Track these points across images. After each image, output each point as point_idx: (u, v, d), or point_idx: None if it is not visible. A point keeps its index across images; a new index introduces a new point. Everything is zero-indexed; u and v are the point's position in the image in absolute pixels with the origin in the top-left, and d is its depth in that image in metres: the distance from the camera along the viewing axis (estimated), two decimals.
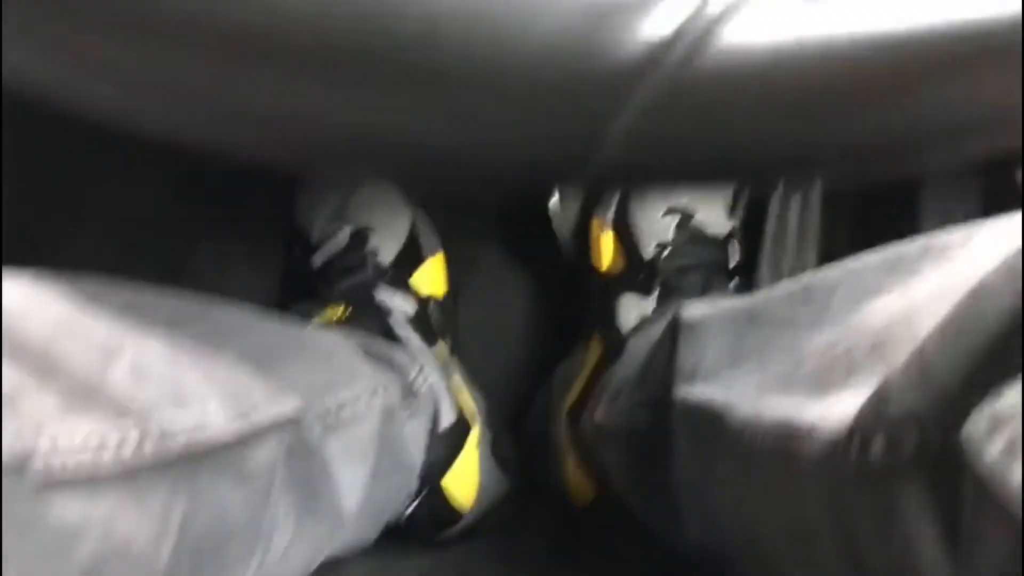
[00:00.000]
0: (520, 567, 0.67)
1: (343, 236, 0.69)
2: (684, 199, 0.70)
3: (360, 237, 0.69)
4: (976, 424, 0.24)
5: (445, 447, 0.65)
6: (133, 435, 0.32)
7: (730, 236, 0.71)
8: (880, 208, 0.73)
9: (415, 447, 0.59)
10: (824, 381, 0.37)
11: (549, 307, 0.79)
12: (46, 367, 0.31)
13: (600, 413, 0.60)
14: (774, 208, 0.73)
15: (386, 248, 0.70)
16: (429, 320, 0.70)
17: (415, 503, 0.63)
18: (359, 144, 0.18)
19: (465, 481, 0.66)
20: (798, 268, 0.72)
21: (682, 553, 0.57)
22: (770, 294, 0.47)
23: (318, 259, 0.70)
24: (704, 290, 0.67)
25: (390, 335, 0.65)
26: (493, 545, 0.70)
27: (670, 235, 0.69)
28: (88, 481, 0.30)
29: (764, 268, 0.73)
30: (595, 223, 0.73)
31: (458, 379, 0.69)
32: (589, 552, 0.68)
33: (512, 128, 0.17)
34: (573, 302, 0.76)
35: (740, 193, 0.73)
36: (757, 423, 0.39)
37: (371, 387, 0.53)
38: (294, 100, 0.17)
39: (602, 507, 0.68)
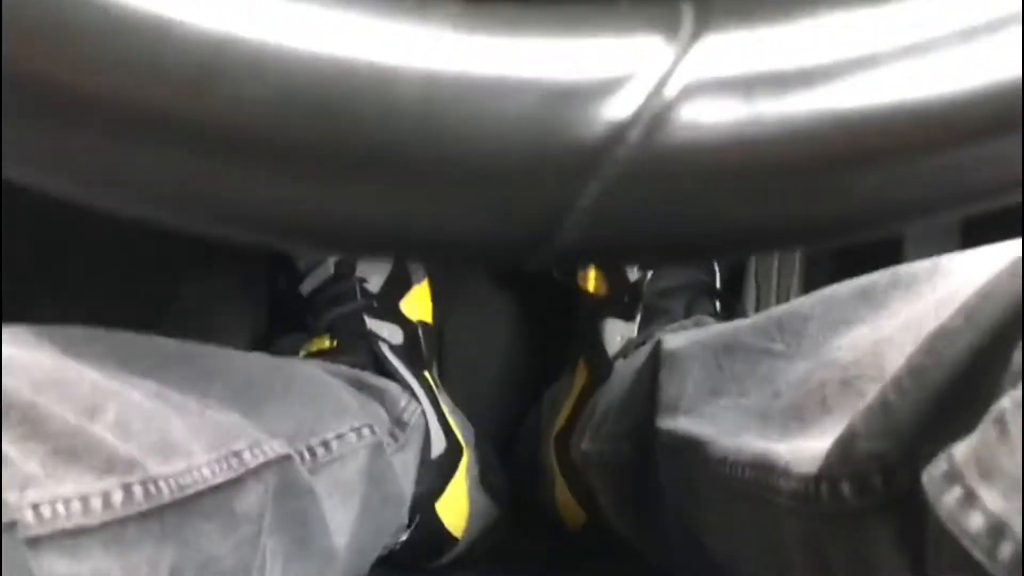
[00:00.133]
0: None
1: (329, 265, 0.70)
2: None
3: (347, 265, 0.70)
4: (934, 471, 0.24)
5: (436, 475, 0.65)
6: (117, 492, 0.32)
7: None
8: None
9: (405, 479, 0.60)
10: (800, 416, 0.38)
11: (536, 332, 0.80)
12: (30, 428, 0.31)
13: (586, 441, 0.61)
14: None
15: (373, 276, 0.70)
16: (419, 346, 0.70)
17: (408, 532, 0.63)
18: (313, 231, 0.18)
19: (455, 508, 0.67)
20: (783, 287, 0.73)
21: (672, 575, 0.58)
22: (746, 324, 0.48)
23: (305, 288, 0.70)
24: (688, 312, 0.67)
25: (379, 364, 0.65)
26: (485, 571, 0.70)
27: None
28: (73, 539, 0.31)
29: (749, 288, 0.74)
30: None
31: (447, 406, 0.70)
32: (582, 575, 0.69)
33: (475, 211, 0.18)
34: (560, 326, 0.76)
35: None
36: (736, 458, 0.40)
37: (359, 423, 0.53)
38: (247, 190, 0.17)
39: (593, 531, 0.68)
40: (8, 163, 0.17)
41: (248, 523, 0.40)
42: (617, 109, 0.17)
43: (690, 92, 0.17)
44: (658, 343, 0.53)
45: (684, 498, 0.49)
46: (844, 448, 0.32)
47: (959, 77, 0.17)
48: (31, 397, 0.32)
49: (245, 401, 0.44)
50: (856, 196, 0.17)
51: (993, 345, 0.27)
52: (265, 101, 0.16)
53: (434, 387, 0.69)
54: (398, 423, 0.60)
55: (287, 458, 0.43)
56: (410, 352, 0.68)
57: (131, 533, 0.33)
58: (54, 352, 0.37)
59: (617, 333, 0.68)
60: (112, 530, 0.32)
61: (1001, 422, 0.22)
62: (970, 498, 0.23)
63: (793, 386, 0.40)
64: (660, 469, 0.50)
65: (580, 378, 0.70)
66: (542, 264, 0.18)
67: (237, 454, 0.40)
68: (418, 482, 0.62)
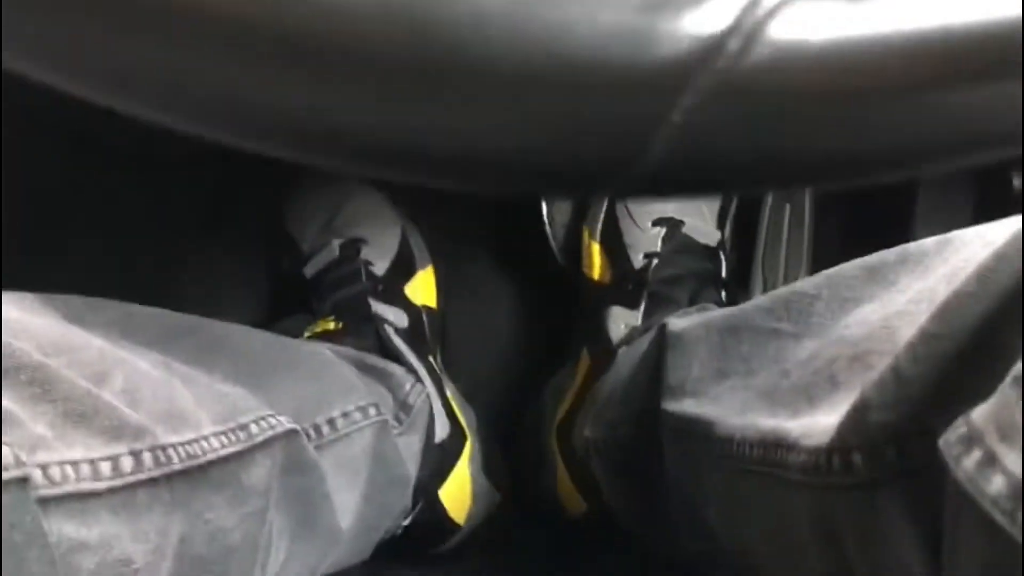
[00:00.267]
0: None
1: (334, 247, 0.69)
2: (672, 208, 0.70)
3: (352, 248, 0.69)
4: (952, 435, 0.24)
5: (440, 459, 0.64)
6: (127, 458, 0.32)
7: (720, 245, 0.71)
8: (872, 217, 0.73)
9: (410, 461, 0.59)
10: (809, 394, 0.37)
11: (540, 320, 0.79)
12: (39, 389, 0.31)
13: (589, 427, 0.60)
14: (765, 218, 0.73)
15: (379, 259, 0.69)
16: (424, 331, 0.69)
17: (411, 516, 0.63)
18: (399, 148, 0.17)
19: (458, 495, 0.66)
20: (790, 277, 0.72)
21: (674, 564, 0.57)
22: (753, 305, 0.47)
23: (309, 270, 0.69)
24: (693, 300, 0.67)
25: (384, 347, 0.64)
26: (486, 558, 0.69)
27: (659, 245, 0.68)
28: (82, 503, 0.30)
29: (756, 278, 0.73)
30: (585, 232, 0.72)
31: (451, 391, 0.69)
32: (582, 564, 0.68)
33: (560, 128, 0.17)
34: (565, 314, 0.75)
35: (730, 201, 0.73)
36: (744, 436, 0.40)
37: (364, 403, 0.52)
38: (336, 102, 0.16)
39: (593, 520, 0.67)
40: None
41: (256, 496, 0.39)
42: (715, 18, 0.16)
43: (787, 3, 0.16)
44: (663, 326, 0.53)
45: (689, 481, 0.48)
46: (856, 419, 0.32)
47: None
48: (40, 359, 0.31)
49: (251, 376, 0.44)
50: (970, 117, 0.16)
51: (1008, 308, 0.27)
52: (353, 8, 0.15)
53: (439, 372, 0.68)
54: (403, 406, 0.60)
55: (294, 433, 0.43)
56: (415, 337, 0.68)
57: (140, 500, 0.32)
58: (60, 318, 0.36)
59: (621, 321, 0.67)
60: (121, 496, 0.32)
61: (1021, 383, 0.22)
62: (990, 460, 0.22)
63: (801, 364, 0.40)
64: (665, 453, 0.50)
65: (583, 367, 0.69)
66: (624, 191, 0.18)
67: (244, 427, 0.39)
68: (422, 466, 0.61)
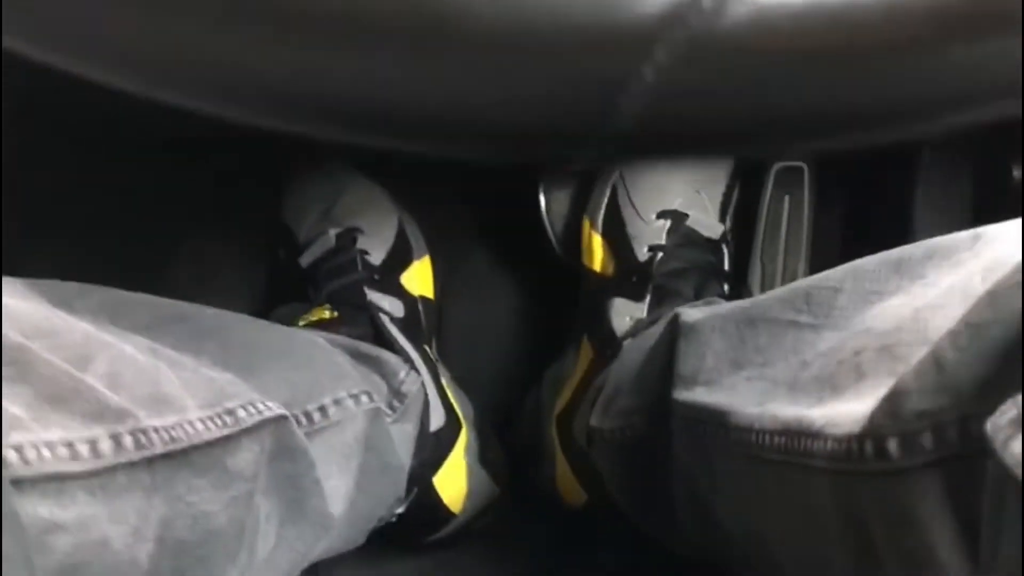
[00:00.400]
0: (510, 571, 0.67)
1: (331, 237, 0.69)
2: (677, 201, 0.69)
3: (348, 238, 0.69)
4: (1001, 419, 0.24)
5: (435, 448, 0.64)
6: (106, 441, 0.32)
7: (723, 238, 0.71)
8: (871, 209, 0.73)
9: (403, 450, 0.59)
10: (833, 384, 0.37)
11: (537, 310, 0.79)
12: (17, 370, 0.31)
13: (594, 417, 0.60)
14: (764, 210, 0.72)
15: (375, 249, 0.69)
16: (420, 321, 0.69)
17: (405, 504, 0.63)
18: (370, 112, 0.17)
19: (454, 483, 0.66)
20: (789, 269, 0.72)
21: (678, 556, 0.57)
22: (771, 296, 0.47)
23: (305, 260, 0.69)
24: (697, 294, 0.67)
25: (379, 336, 0.64)
26: (482, 549, 0.69)
27: (663, 238, 0.68)
28: (58, 484, 0.30)
29: (755, 269, 0.73)
30: (586, 222, 0.72)
31: (447, 380, 0.69)
32: (581, 555, 0.68)
33: (532, 87, 0.16)
34: (562, 305, 0.75)
35: (731, 194, 0.72)
36: (762, 425, 0.39)
37: (356, 390, 0.52)
38: (313, 64, 0.16)
39: (592, 511, 0.67)
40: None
41: (241, 481, 0.39)
42: None
43: None
44: (675, 316, 0.53)
45: (699, 472, 0.48)
46: (891, 406, 0.31)
47: None
48: (20, 340, 0.31)
49: (241, 362, 0.44)
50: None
51: None
52: None
53: (434, 361, 0.68)
54: (397, 394, 0.59)
55: (283, 419, 0.43)
56: (411, 326, 0.68)
57: (119, 482, 0.32)
58: (46, 303, 0.36)
59: (626, 313, 0.67)
60: (100, 478, 0.31)
61: None
62: None
63: (823, 355, 0.40)
64: (674, 443, 0.50)
65: (584, 358, 0.69)
66: (600, 152, 0.17)
67: (231, 412, 0.39)
68: (416, 454, 0.61)
